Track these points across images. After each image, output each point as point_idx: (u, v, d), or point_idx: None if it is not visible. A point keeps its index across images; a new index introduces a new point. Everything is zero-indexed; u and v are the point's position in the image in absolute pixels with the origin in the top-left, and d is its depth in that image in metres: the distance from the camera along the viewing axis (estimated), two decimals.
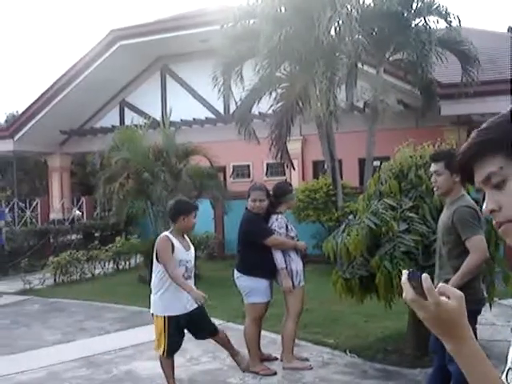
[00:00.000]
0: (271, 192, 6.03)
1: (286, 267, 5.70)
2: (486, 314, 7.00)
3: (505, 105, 13.64)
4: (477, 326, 4.14)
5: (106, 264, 13.06)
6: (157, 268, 5.13)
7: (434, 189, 4.23)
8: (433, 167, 4.19)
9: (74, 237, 15.75)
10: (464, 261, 3.86)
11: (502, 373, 1.29)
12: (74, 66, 18.29)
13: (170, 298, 5.08)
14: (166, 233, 5.21)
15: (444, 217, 4.13)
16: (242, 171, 18.28)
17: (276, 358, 6.03)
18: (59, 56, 67.53)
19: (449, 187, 4.09)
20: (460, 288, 3.99)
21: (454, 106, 13.75)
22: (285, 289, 5.73)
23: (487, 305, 5.81)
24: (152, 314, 5.21)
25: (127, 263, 13.63)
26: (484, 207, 1.17)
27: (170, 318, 5.06)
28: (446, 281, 3.95)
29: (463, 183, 4.11)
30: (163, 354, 5.13)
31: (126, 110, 19.71)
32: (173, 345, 5.14)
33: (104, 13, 68.73)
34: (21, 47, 65.30)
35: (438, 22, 12.06)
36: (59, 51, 67.87)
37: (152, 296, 5.21)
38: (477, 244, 3.86)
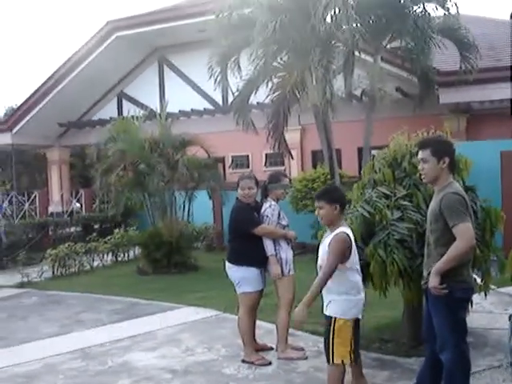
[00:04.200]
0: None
1: (276, 255, 5.69)
2: (483, 302, 6.99)
3: (504, 92, 13.55)
4: (469, 313, 4.11)
5: (105, 256, 13.04)
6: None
7: (422, 176, 4.18)
8: (420, 155, 4.13)
9: (73, 229, 15.74)
10: None
11: None
12: (70, 57, 18.25)
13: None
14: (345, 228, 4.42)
15: (432, 204, 4.07)
16: (242, 162, 18.24)
17: (271, 348, 6.00)
18: (58, 48, 67.37)
19: (436, 174, 4.03)
20: (447, 275, 3.95)
21: (452, 94, 13.67)
22: (273, 275, 5.71)
23: (483, 293, 5.80)
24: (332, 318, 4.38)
25: (126, 255, 13.62)
26: None
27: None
28: None
29: (450, 169, 4.06)
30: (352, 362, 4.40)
31: (124, 101, 19.67)
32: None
33: (101, 4, 68.48)
34: (20, 41, 65.13)
35: (436, 8, 11.94)
36: (57, 43, 67.69)
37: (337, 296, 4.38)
38: (464, 231, 3.79)
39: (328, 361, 4.35)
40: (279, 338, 5.83)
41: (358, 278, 4.43)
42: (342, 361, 4.31)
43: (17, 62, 64.53)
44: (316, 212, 4.55)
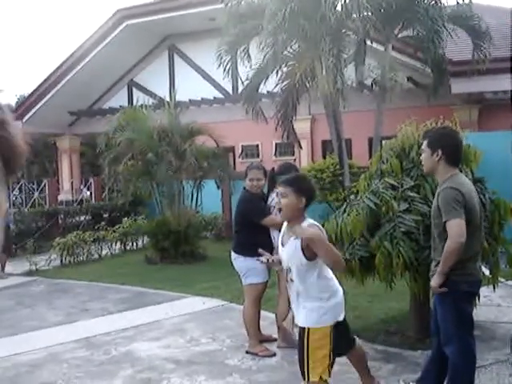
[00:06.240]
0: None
1: None
2: (492, 295, 6.90)
3: None
4: (477, 307, 4.04)
5: (113, 245, 13.04)
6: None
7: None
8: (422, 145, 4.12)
9: (82, 218, 15.76)
10: None
11: None
12: (81, 46, 18.17)
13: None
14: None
15: (435, 199, 4.02)
16: (251, 151, 18.15)
17: (276, 339, 5.97)
18: (68, 37, 67.43)
19: (431, 166, 3.99)
20: (452, 269, 3.85)
21: (465, 84, 13.48)
22: (278, 267, 5.66)
23: (491, 286, 5.72)
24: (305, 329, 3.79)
25: (134, 244, 13.63)
26: None
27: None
28: (439, 263, 3.84)
29: (448, 162, 3.96)
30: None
31: (134, 90, 19.59)
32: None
33: None
34: (32, 29, 65.25)
35: None
36: (68, 32, 67.67)
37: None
38: (452, 228, 3.73)
39: (303, 377, 3.77)
40: (279, 328, 5.82)
41: (331, 276, 3.88)
42: (321, 377, 3.71)
43: (28, 51, 64.68)
44: (276, 199, 4.01)
